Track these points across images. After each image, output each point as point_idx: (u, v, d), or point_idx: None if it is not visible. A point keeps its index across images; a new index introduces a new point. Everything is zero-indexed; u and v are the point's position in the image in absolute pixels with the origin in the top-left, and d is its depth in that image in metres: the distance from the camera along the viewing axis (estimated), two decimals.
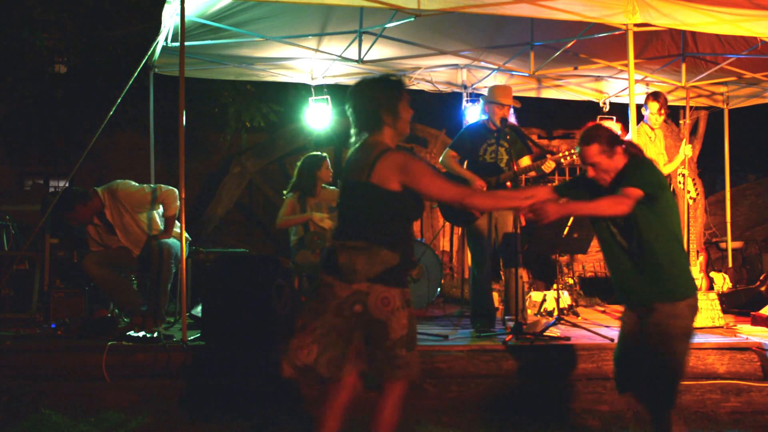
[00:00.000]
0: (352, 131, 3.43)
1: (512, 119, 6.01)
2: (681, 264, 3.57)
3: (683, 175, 6.74)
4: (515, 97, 6.13)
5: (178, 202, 5.76)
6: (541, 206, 3.33)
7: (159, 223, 6.13)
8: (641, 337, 3.56)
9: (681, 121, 7.14)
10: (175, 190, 5.91)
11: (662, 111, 6.98)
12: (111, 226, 5.95)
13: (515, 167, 5.79)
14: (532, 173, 6.04)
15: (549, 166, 5.84)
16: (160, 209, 6.14)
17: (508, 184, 5.92)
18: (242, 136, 10.33)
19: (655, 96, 7.04)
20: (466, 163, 6.11)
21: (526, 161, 6.04)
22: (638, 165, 3.56)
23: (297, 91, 9.80)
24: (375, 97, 3.33)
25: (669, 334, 3.46)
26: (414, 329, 3.34)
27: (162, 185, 6.06)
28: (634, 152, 3.62)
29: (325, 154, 6.65)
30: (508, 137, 5.89)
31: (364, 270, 3.18)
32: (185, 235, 5.61)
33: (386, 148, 3.28)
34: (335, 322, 3.22)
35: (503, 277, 6.38)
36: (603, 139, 3.55)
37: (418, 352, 3.37)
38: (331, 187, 6.73)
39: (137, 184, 6.06)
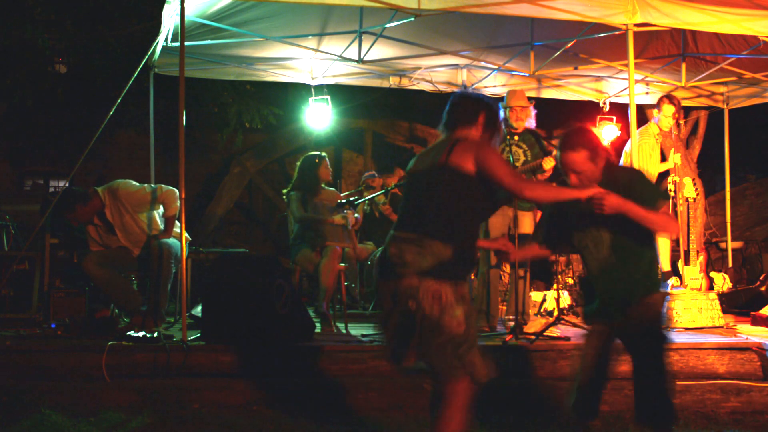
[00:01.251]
0: (440, 130, 3.41)
1: (532, 123, 6.19)
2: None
3: (674, 183, 6.73)
4: (529, 98, 6.30)
5: (179, 203, 5.76)
6: (603, 195, 3.19)
7: (159, 223, 6.13)
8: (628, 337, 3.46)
9: (680, 122, 7.13)
10: (176, 191, 5.91)
11: (676, 115, 6.95)
12: (111, 226, 5.95)
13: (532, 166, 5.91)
14: (546, 175, 6.08)
15: (549, 162, 5.92)
16: (161, 209, 6.14)
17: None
18: (238, 136, 10.34)
19: (670, 99, 6.98)
20: None
21: (550, 162, 6.09)
22: (638, 176, 3.52)
23: (297, 91, 9.80)
24: (480, 101, 3.39)
25: (658, 320, 3.44)
26: (472, 327, 3.16)
27: (162, 185, 6.05)
28: (608, 158, 3.48)
29: (324, 153, 6.67)
30: (517, 139, 6.04)
31: (413, 262, 3.08)
32: (185, 235, 5.61)
33: (465, 137, 3.27)
34: (399, 321, 3.14)
35: (503, 278, 6.39)
36: (591, 145, 3.38)
37: (484, 352, 3.19)
38: (331, 188, 6.74)
39: (138, 184, 6.06)
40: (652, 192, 3.40)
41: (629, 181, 3.39)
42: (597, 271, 3.47)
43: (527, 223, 5.99)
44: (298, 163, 6.65)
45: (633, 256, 3.41)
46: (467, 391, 3.15)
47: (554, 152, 5.97)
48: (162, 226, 6.10)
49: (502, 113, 6.18)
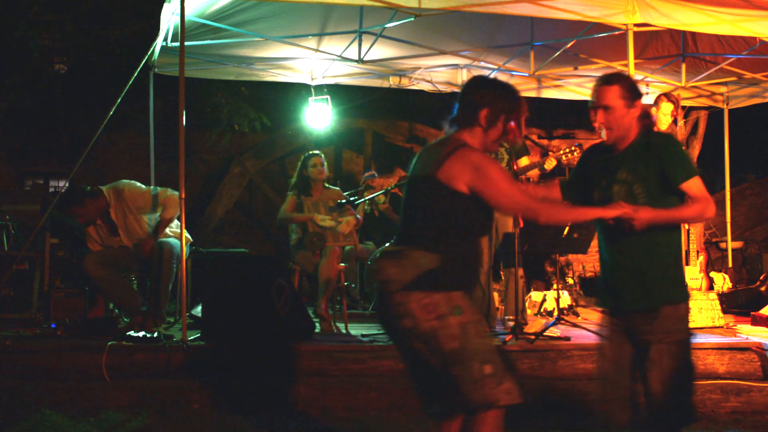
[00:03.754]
0: (446, 127, 3.03)
1: None
2: (681, 266, 3.26)
3: None
4: (526, 99, 6.17)
5: (178, 209, 5.72)
6: (632, 215, 2.94)
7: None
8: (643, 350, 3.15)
9: (680, 122, 7.13)
10: (177, 196, 5.85)
11: (675, 113, 6.95)
12: (114, 226, 5.94)
13: (515, 167, 5.81)
14: (536, 172, 6.06)
15: (551, 163, 5.91)
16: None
17: (522, 177, 5.94)
18: (226, 136, 10.35)
19: (668, 97, 6.98)
20: None
21: (524, 161, 6.09)
22: (672, 145, 3.16)
23: (297, 91, 9.80)
24: (483, 93, 2.93)
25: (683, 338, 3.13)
26: (471, 340, 2.77)
27: (167, 189, 6.04)
28: (648, 123, 3.20)
29: (315, 152, 6.64)
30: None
31: (396, 277, 2.79)
32: (186, 235, 5.61)
33: (465, 144, 2.88)
34: (399, 347, 2.89)
35: (503, 277, 6.38)
36: (627, 84, 3.14)
37: (498, 370, 2.80)
38: (334, 188, 6.74)
39: (143, 186, 6.05)
40: (682, 166, 3.09)
41: (661, 147, 3.12)
42: (610, 244, 3.21)
43: (508, 222, 5.97)
44: (298, 164, 6.70)
45: (653, 244, 3.11)
46: (494, 416, 2.83)
47: (554, 153, 6.01)
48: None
49: None
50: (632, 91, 3.14)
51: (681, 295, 3.16)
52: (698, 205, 3.08)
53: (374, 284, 2.88)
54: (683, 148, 3.20)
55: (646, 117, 3.21)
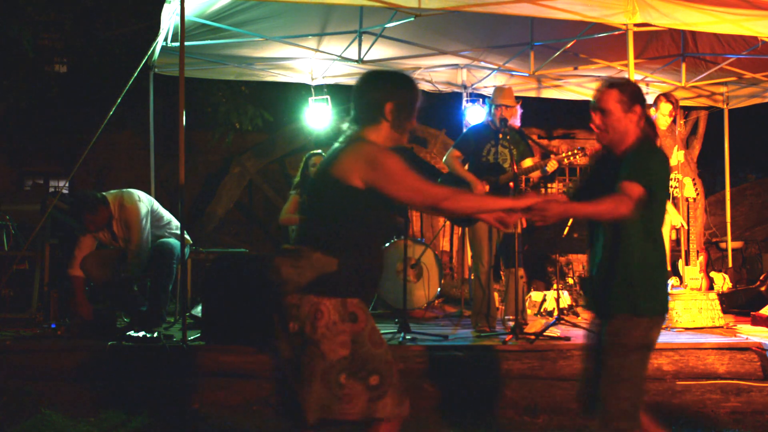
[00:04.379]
0: (345, 126, 2.93)
1: (517, 121, 6.06)
2: (654, 278, 3.14)
3: (678, 180, 6.74)
4: (516, 98, 6.15)
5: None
6: (544, 206, 2.92)
7: (161, 224, 6.11)
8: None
9: (680, 122, 7.13)
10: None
11: (673, 113, 6.95)
12: (115, 236, 5.94)
13: (516, 168, 5.80)
14: (537, 174, 6.06)
15: (552, 165, 5.91)
16: (162, 212, 6.14)
17: (511, 184, 5.93)
18: (229, 136, 10.35)
19: (667, 97, 6.98)
20: (467, 165, 6.12)
21: (528, 162, 6.09)
22: (647, 151, 3.14)
23: (297, 91, 9.80)
24: (384, 87, 2.86)
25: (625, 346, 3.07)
26: (366, 351, 2.70)
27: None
28: (648, 132, 3.20)
29: (317, 152, 6.69)
30: (508, 138, 5.91)
31: (291, 278, 2.69)
32: (186, 236, 5.61)
33: (361, 138, 2.80)
34: (284, 350, 2.77)
35: (503, 277, 6.38)
36: (626, 89, 3.15)
37: (387, 385, 2.71)
38: None
39: (142, 212, 5.95)
40: (634, 168, 3.05)
41: (637, 154, 3.11)
42: (597, 250, 3.20)
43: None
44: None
45: (616, 256, 3.11)
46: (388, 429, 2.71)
47: (556, 156, 6.01)
48: (163, 226, 6.07)
49: (489, 110, 6.12)
50: (631, 97, 3.14)
51: (645, 308, 3.09)
52: (611, 201, 3.00)
53: (271, 283, 2.77)
54: (660, 164, 3.14)
55: (648, 124, 3.21)
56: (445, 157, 6.19)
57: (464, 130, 8.72)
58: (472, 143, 6.08)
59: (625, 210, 2.98)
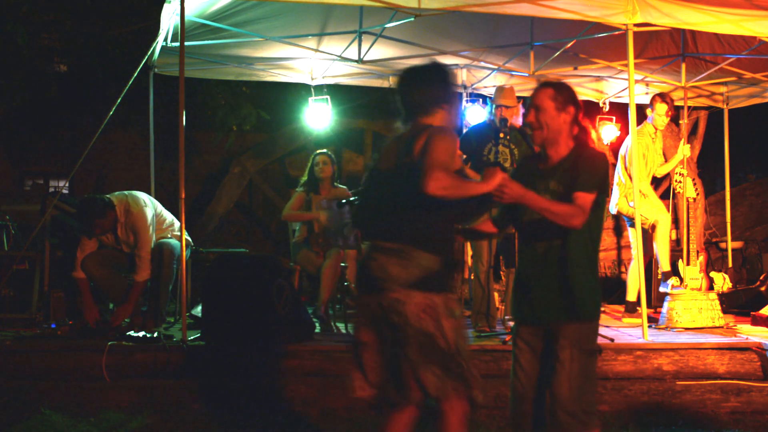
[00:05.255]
0: (399, 122, 3.09)
1: (519, 121, 6.08)
2: (597, 283, 3.21)
3: (682, 175, 6.75)
4: (518, 98, 6.19)
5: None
6: (506, 182, 2.93)
7: (163, 226, 6.11)
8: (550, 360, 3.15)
9: (681, 122, 7.13)
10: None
11: (669, 113, 6.95)
12: (119, 240, 5.94)
13: (515, 165, 5.81)
14: None
15: None
16: (165, 214, 6.14)
17: None
18: (230, 137, 10.36)
19: (662, 97, 6.99)
20: (469, 163, 6.15)
21: None
22: (590, 157, 3.18)
23: (296, 91, 9.81)
24: (437, 78, 3.07)
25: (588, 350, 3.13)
26: (462, 340, 2.94)
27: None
28: (584, 140, 3.25)
29: (322, 151, 6.71)
30: (508, 137, 5.94)
31: (400, 275, 2.85)
32: (186, 236, 5.61)
33: (441, 127, 2.97)
34: (376, 340, 2.93)
35: (503, 277, 6.38)
36: (562, 91, 3.22)
37: (476, 368, 2.97)
38: (342, 186, 6.76)
39: (148, 217, 5.93)
40: (587, 178, 3.10)
41: (585, 159, 3.17)
42: (530, 264, 3.25)
43: None
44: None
45: (567, 264, 3.14)
46: (464, 410, 2.93)
47: None
48: (162, 232, 6.07)
49: (490, 109, 6.14)
50: (565, 97, 3.21)
51: (592, 312, 3.18)
52: (568, 207, 3.05)
53: (370, 278, 2.90)
54: (606, 169, 3.23)
55: (583, 132, 3.26)
56: None
57: (464, 130, 8.74)
58: (473, 143, 6.10)
59: (578, 223, 3.06)
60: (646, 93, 8.75)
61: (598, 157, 3.21)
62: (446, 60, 8.10)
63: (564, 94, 3.22)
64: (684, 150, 7.02)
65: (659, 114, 6.90)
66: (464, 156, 6.14)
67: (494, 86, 8.63)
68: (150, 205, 5.98)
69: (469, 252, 6.27)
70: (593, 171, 3.13)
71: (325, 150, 6.77)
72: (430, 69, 3.13)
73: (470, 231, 3.42)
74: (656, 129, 7.01)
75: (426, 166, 2.79)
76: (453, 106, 3.09)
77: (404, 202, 2.91)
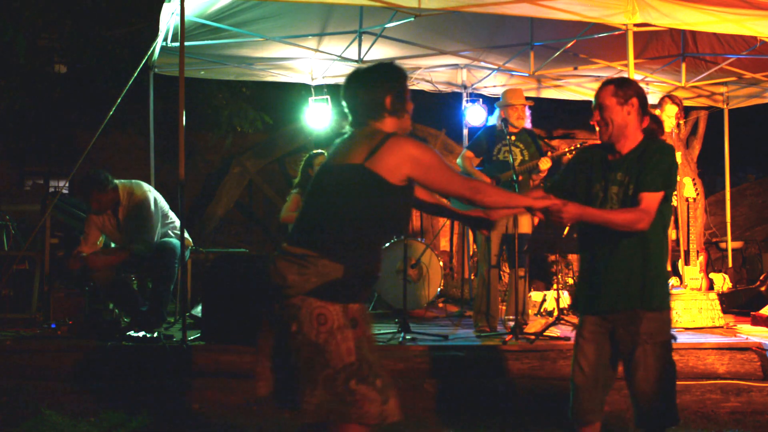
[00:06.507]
0: (346, 126, 2.93)
1: (527, 123, 6.22)
2: (665, 271, 3.26)
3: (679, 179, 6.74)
4: (527, 98, 6.34)
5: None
6: (560, 207, 2.97)
7: (165, 221, 6.10)
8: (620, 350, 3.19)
9: (680, 122, 7.13)
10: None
11: (679, 115, 6.94)
12: (120, 224, 5.93)
13: (515, 167, 5.84)
14: (544, 173, 6.10)
15: (546, 163, 5.96)
16: (168, 211, 6.14)
17: (520, 177, 5.99)
18: (229, 138, 10.36)
19: (672, 98, 6.98)
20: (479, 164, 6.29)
21: (546, 163, 6.14)
22: (658, 152, 3.16)
23: (297, 91, 9.81)
24: (379, 81, 2.86)
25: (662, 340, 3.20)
26: (370, 357, 2.73)
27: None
28: (654, 129, 3.27)
29: (320, 151, 6.73)
30: (514, 138, 6.07)
31: (296, 283, 2.69)
32: (187, 237, 5.60)
33: (393, 133, 2.80)
34: (279, 346, 2.78)
35: (503, 277, 6.39)
36: (623, 85, 3.21)
37: (389, 387, 2.73)
38: None
39: (152, 204, 5.94)
40: (653, 176, 3.10)
41: (652, 152, 3.15)
42: (599, 253, 3.21)
43: (526, 222, 5.99)
44: (301, 162, 6.77)
45: (636, 249, 3.14)
46: None
47: (550, 153, 6.06)
48: (164, 228, 6.07)
49: (499, 113, 6.18)
50: (627, 91, 3.20)
51: (665, 302, 3.22)
52: (631, 215, 3.07)
53: (271, 284, 2.78)
54: (673, 161, 3.20)
55: (655, 122, 3.28)
56: (458, 158, 6.33)
57: (464, 130, 8.76)
58: (484, 144, 6.25)
59: (644, 226, 3.06)
60: (647, 93, 8.74)
61: (664, 151, 3.17)
62: (446, 60, 8.12)
63: (625, 87, 3.22)
64: (677, 158, 6.98)
65: (668, 116, 6.87)
66: (475, 157, 6.24)
67: (494, 86, 8.68)
68: (155, 194, 6.02)
69: (470, 253, 6.28)
70: (658, 167, 3.11)
71: (321, 150, 6.78)
72: (380, 69, 2.95)
73: (465, 217, 3.31)
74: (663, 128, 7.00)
75: (456, 188, 2.78)
76: (401, 109, 2.87)
77: (324, 207, 2.78)
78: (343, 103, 2.93)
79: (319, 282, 2.68)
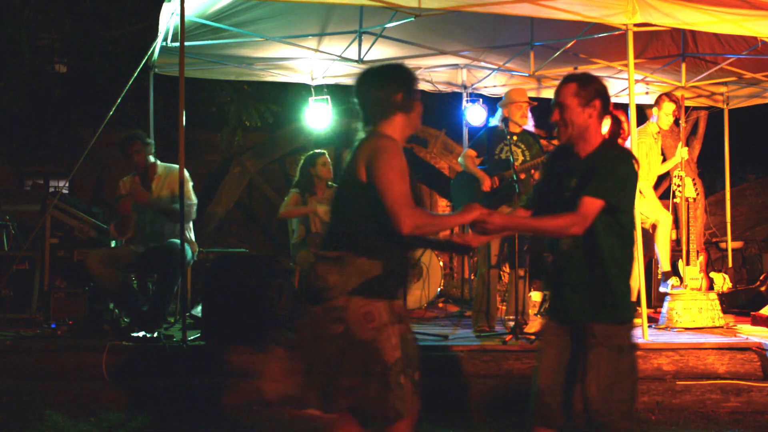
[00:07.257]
0: (360, 126, 2.97)
1: (529, 124, 6.29)
2: (627, 283, 3.08)
3: (680, 178, 6.74)
4: (530, 98, 6.42)
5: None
6: (484, 218, 2.87)
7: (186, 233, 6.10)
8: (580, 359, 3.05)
9: (680, 122, 7.13)
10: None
11: (677, 113, 6.94)
12: (150, 195, 5.92)
13: (515, 166, 5.85)
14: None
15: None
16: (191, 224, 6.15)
17: (522, 176, 5.99)
18: (238, 134, 10.37)
19: (670, 96, 6.97)
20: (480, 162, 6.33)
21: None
22: (614, 158, 3.03)
23: (297, 91, 9.81)
24: (388, 82, 2.91)
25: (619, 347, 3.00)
26: (411, 350, 2.83)
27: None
28: (613, 135, 3.14)
29: (321, 151, 6.74)
30: (515, 138, 6.12)
31: (338, 283, 2.72)
32: (191, 237, 5.61)
33: (379, 134, 2.84)
34: (318, 348, 2.75)
35: (503, 277, 6.39)
36: (586, 84, 3.04)
37: (419, 383, 2.82)
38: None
39: (191, 188, 5.98)
40: (599, 182, 2.95)
41: (604, 159, 3.01)
42: (557, 260, 3.10)
43: None
44: (300, 162, 6.77)
45: (592, 263, 3.01)
46: (407, 430, 2.78)
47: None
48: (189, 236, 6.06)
49: (502, 112, 6.21)
50: (590, 91, 3.04)
51: (626, 315, 3.06)
52: (563, 220, 2.94)
53: (313, 288, 2.78)
54: (629, 171, 3.04)
55: (616, 124, 3.13)
56: (460, 157, 6.38)
57: (464, 130, 8.76)
58: (485, 143, 6.29)
59: (577, 231, 2.93)
60: (646, 93, 8.75)
61: (618, 158, 3.04)
62: (446, 60, 8.12)
63: (588, 87, 3.05)
64: (682, 152, 7.00)
65: (666, 113, 6.87)
66: (477, 156, 6.26)
67: (494, 86, 8.68)
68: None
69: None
70: (608, 175, 2.96)
71: (323, 150, 6.79)
72: (391, 68, 3.01)
73: (438, 243, 3.25)
74: (660, 129, 7.00)
75: (388, 206, 2.68)
76: (411, 107, 2.94)
77: (347, 210, 2.82)
78: (355, 100, 2.97)
79: (360, 280, 2.72)
